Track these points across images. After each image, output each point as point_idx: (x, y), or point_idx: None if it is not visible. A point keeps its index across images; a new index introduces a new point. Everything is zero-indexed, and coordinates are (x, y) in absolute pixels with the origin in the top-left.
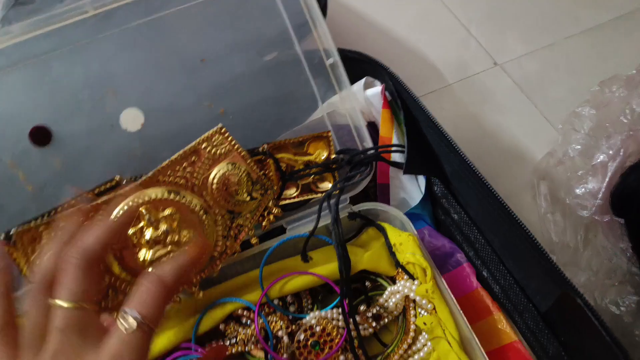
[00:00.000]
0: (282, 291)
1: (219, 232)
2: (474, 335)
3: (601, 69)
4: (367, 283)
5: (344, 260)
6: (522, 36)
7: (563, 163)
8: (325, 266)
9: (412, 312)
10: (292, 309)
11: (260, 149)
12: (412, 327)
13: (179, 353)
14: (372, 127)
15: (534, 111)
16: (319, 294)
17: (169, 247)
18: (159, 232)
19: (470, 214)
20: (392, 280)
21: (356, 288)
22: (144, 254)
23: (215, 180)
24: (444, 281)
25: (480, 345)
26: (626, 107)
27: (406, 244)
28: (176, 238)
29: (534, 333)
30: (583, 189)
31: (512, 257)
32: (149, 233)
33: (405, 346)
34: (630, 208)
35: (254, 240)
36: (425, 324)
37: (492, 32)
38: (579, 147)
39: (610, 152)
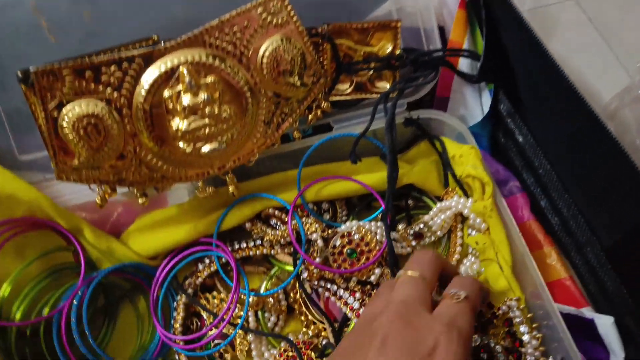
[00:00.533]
0: (319, 195)
1: (261, 116)
2: (533, 263)
3: None
4: (409, 201)
5: (394, 168)
6: None
7: (637, 102)
8: (369, 175)
9: (460, 233)
10: (326, 216)
11: (320, 30)
12: (458, 248)
13: (199, 248)
14: (441, 33)
15: (607, 53)
16: (356, 207)
17: (207, 119)
18: (198, 99)
19: (537, 136)
20: (439, 200)
21: (397, 205)
22: (178, 123)
23: (266, 54)
24: (504, 201)
25: (539, 273)
26: None
27: (467, 156)
28: (216, 111)
29: (593, 269)
30: None
31: (583, 184)
32: (187, 99)
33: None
34: None
35: (296, 134)
36: (477, 243)
37: None
38: None
39: None
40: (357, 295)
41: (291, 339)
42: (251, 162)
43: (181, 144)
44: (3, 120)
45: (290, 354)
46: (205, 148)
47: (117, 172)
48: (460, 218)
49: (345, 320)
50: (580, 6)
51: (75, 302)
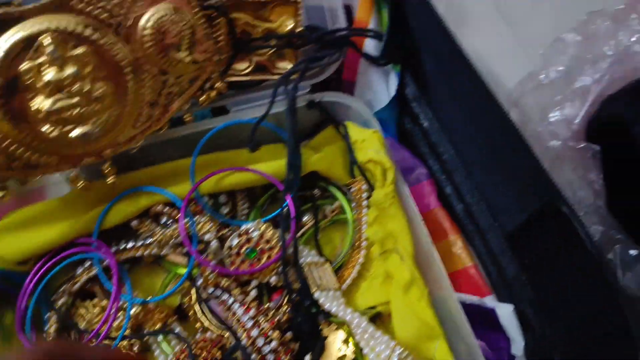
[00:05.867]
0: (216, 187)
1: (145, 95)
2: (435, 250)
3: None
4: (315, 191)
5: (295, 156)
6: None
7: (541, 87)
8: (271, 163)
9: (365, 219)
10: (225, 210)
11: (214, 2)
12: (364, 237)
13: (76, 249)
14: (347, 12)
15: (512, 41)
16: (257, 199)
17: (76, 98)
18: (65, 74)
19: (442, 121)
20: (345, 189)
21: (302, 196)
22: (40, 102)
23: (148, 25)
24: (407, 189)
25: (441, 262)
26: (611, 40)
27: (370, 140)
28: (86, 88)
29: (494, 256)
30: (558, 115)
31: (486, 169)
32: (50, 74)
33: (357, 259)
34: (607, 136)
35: (187, 117)
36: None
37: None
38: (562, 68)
39: (596, 76)
40: (252, 312)
41: (184, 337)
42: (134, 149)
43: (45, 128)
44: None
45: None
46: (75, 132)
47: None
48: (364, 206)
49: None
50: None
51: None
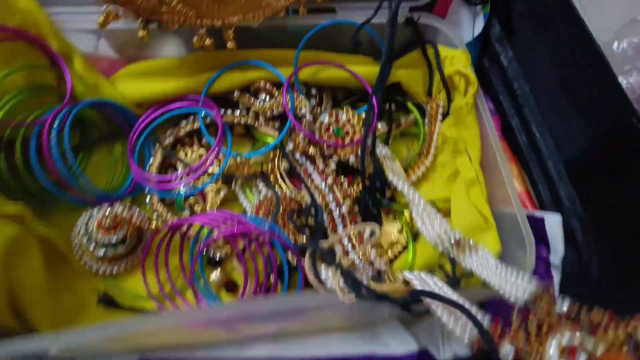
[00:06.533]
0: (312, 78)
1: None
2: (503, 157)
3: None
4: (392, 105)
5: (386, 63)
6: None
7: (613, 56)
8: (362, 67)
9: (438, 124)
10: (313, 102)
11: None
12: (435, 137)
13: (185, 103)
14: None
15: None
16: (340, 102)
17: None
18: None
19: (523, 59)
20: (421, 108)
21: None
22: None
23: None
24: (484, 101)
25: (507, 168)
26: None
27: (459, 57)
28: None
29: (551, 180)
30: (625, 84)
31: (558, 104)
32: None
33: (428, 157)
34: None
35: (302, 10)
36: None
37: None
38: (635, 40)
39: None
40: (329, 180)
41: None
42: (255, 26)
43: None
44: None
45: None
46: None
47: None
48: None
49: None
50: None
51: (55, 124)
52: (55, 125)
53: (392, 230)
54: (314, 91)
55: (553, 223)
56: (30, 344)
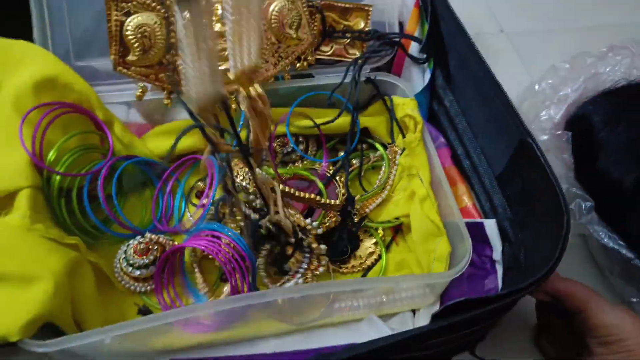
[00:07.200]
0: (300, 129)
1: (264, 54)
2: (444, 177)
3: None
4: (363, 145)
5: (355, 113)
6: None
7: (536, 95)
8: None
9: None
10: (300, 147)
11: (315, 3)
12: (394, 172)
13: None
14: (400, 27)
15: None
16: (321, 146)
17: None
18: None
19: (460, 101)
20: (385, 147)
21: (354, 148)
22: None
23: (275, 9)
24: (429, 135)
25: (448, 184)
26: (592, 69)
27: (408, 104)
28: None
29: (487, 192)
30: (546, 115)
31: (486, 130)
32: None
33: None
34: (577, 126)
35: (287, 76)
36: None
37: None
38: (551, 81)
39: (574, 88)
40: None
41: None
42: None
43: None
44: (68, 32)
45: None
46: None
47: (156, 73)
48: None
49: None
50: (508, 38)
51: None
52: (101, 176)
53: (369, 244)
54: (301, 139)
55: (490, 227)
56: (89, 337)
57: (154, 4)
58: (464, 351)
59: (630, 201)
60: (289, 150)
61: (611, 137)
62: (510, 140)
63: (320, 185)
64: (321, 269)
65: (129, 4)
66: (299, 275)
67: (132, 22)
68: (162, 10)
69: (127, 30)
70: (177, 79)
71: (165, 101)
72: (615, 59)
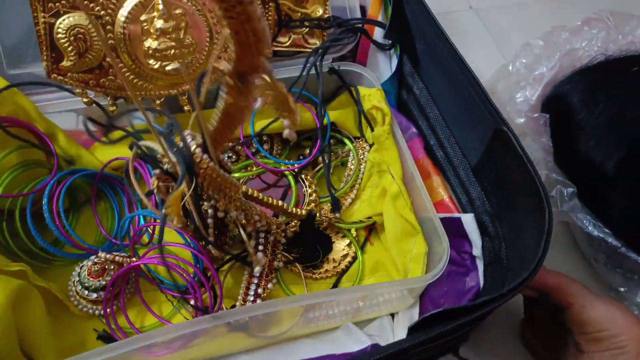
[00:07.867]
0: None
1: (216, 50)
2: (417, 171)
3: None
4: (331, 141)
5: (321, 108)
6: None
7: (510, 76)
8: (303, 113)
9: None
10: (265, 147)
11: None
12: (363, 164)
13: None
14: (362, 11)
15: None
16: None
17: (173, 42)
18: (168, 25)
19: (430, 89)
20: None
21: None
22: (150, 43)
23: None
24: (398, 128)
25: (421, 179)
26: (567, 44)
27: (374, 95)
28: (180, 36)
29: (464, 184)
30: (522, 97)
31: (459, 121)
32: (159, 23)
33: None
34: (554, 108)
35: None
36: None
37: None
38: (525, 61)
39: (549, 66)
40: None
41: None
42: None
43: (151, 61)
44: None
45: None
46: (169, 66)
47: (96, 78)
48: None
49: None
50: (478, 14)
51: (46, 191)
52: (46, 194)
53: (342, 245)
54: (265, 138)
55: (468, 221)
56: None
57: (85, 2)
58: (447, 354)
59: (611, 182)
60: (253, 151)
61: (590, 120)
62: (485, 129)
63: (291, 180)
64: (270, 286)
65: (57, 4)
66: (251, 294)
67: (63, 23)
68: (97, 9)
69: (57, 33)
70: (120, 84)
71: (111, 108)
72: (591, 32)
